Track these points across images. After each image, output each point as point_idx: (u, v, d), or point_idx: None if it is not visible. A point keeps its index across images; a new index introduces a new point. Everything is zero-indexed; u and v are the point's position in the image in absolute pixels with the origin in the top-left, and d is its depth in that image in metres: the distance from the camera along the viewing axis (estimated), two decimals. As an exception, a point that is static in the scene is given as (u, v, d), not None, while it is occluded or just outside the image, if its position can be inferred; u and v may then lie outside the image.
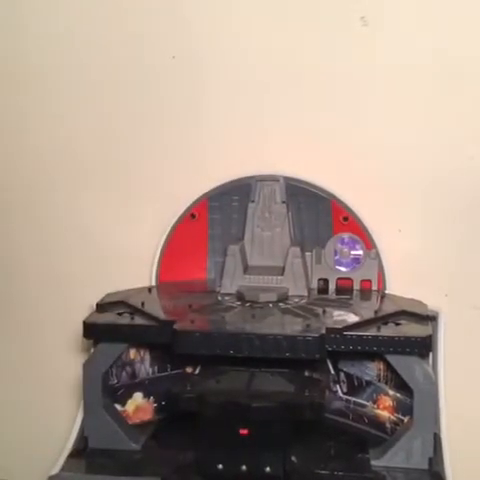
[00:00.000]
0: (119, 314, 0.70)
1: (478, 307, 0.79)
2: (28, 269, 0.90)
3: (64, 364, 0.88)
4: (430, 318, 0.71)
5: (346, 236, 0.79)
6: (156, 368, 0.77)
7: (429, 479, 0.65)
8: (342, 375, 0.74)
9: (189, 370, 0.76)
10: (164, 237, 0.83)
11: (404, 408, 0.70)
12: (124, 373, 0.75)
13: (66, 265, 0.88)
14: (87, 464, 0.68)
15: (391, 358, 0.66)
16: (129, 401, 0.74)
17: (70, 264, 0.88)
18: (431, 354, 0.71)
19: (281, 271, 0.77)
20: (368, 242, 0.79)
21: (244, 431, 0.65)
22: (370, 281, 0.79)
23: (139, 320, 0.68)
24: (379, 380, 0.73)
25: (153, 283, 0.83)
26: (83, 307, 0.73)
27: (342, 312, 0.70)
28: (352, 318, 0.68)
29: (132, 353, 0.75)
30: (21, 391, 0.93)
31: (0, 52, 0.85)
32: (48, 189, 0.87)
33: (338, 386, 0.74)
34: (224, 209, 0.82)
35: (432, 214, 0.79)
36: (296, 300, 0.75)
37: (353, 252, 0.79)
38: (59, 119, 0.85)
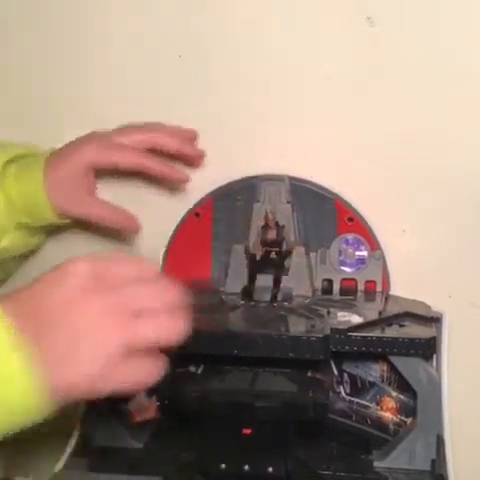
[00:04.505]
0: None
1: (481, 307, 0.79)
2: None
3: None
4: (434, 319, 0.71)
5: (351, 237, 0.79)
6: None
7: (432, 481, 0.65)
8: (345, 376, 0.74)
9: (192, 369, 0.76)
10: (168, 236, 0.83)
11: (407, 410, 0.70)
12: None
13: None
14: (90, 462, 0.67)
15: (395, 359, 0.66)
16: (132, 400, 0.74)
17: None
18: (435, 356, 0.71)
19: (286, 271, 0.77)
20: (373, 243, 0.79)
21: (247, 431, 0.64)
22: (374, 282, 0.79)
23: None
24: (382, 381, 0.72)
25: (157, 282, 0.82)
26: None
27: (346, 313, 0.70)
28: (356, 319, 0.68)
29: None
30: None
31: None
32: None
33: (341, 387, 0.74)
34: (229, 208, 0.82)
35: (437, 215, 0.79)
36: (300, 300, 0.75)
37: (358, 253, 0.79)
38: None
